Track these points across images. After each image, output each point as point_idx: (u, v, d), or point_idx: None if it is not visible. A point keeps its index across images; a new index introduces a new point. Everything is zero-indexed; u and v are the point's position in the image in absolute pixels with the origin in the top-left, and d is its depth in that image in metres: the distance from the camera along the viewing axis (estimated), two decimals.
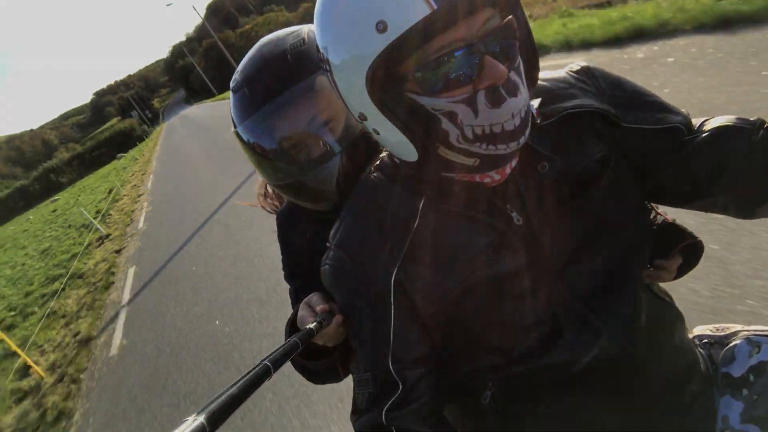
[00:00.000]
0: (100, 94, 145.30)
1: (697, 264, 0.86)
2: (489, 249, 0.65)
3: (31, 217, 29.75)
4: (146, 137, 49.92)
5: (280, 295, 3.77)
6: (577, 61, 0.75)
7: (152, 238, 8.10)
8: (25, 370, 5.22)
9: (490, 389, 0.71)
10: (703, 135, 0.70)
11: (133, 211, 11.55)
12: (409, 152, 0.60)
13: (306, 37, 0.87)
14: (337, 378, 0.90)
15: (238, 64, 0.91)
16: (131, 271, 6.84)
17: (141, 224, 9.56)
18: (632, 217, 0.72)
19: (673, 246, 0.82)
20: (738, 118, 0.69)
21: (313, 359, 0.83)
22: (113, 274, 7.19)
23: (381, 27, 0.50)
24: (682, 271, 0.85)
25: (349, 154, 0.84)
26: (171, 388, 3.48)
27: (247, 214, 5.96)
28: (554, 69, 0.75)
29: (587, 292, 0.66)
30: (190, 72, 62.92)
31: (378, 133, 0.62)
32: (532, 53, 0.61)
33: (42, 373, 4.95)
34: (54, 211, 24.16)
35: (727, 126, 0.69)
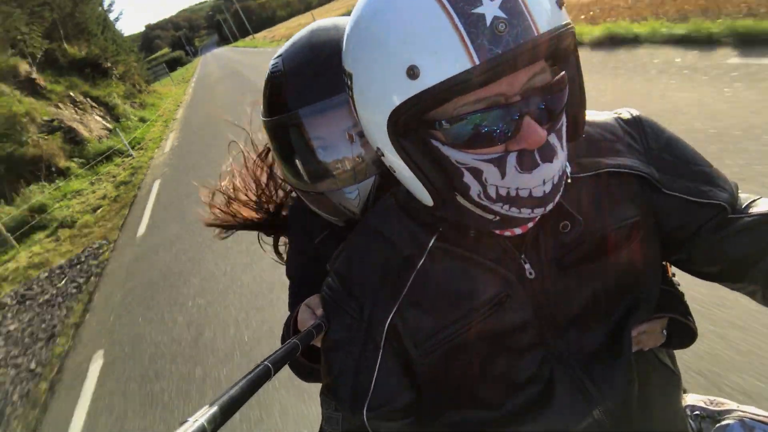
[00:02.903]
0: (151, 28, 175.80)
1: (685, 346, 0.77)
2: (494, 301, 0.60)
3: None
4: (189, 63, 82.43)
5: None
6: (628, 108, 0.68)
7: (199, 83, 36.25)
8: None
9: None
10: (747, 219, 0.63)
11: (191, 76, 41.47)
12: (424, 196, 0.55)
13: None
14: None
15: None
16: (190, 90, 31.18)
17: (194, 79, 38.11)
18: (645, 284, 0.67)
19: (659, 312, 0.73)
20: None
21: (312, 361, 0.82)
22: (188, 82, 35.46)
23: (412, 73, 0.45)
24: (670, 344, 0.77)
25: (385, 178, 0.78)
26: None
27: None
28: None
29: (585, 355, 0.63)
30: (221, 24, 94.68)
31: (394, 171, 0.57)
32: (580, 103, 0.54)
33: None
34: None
35: None
